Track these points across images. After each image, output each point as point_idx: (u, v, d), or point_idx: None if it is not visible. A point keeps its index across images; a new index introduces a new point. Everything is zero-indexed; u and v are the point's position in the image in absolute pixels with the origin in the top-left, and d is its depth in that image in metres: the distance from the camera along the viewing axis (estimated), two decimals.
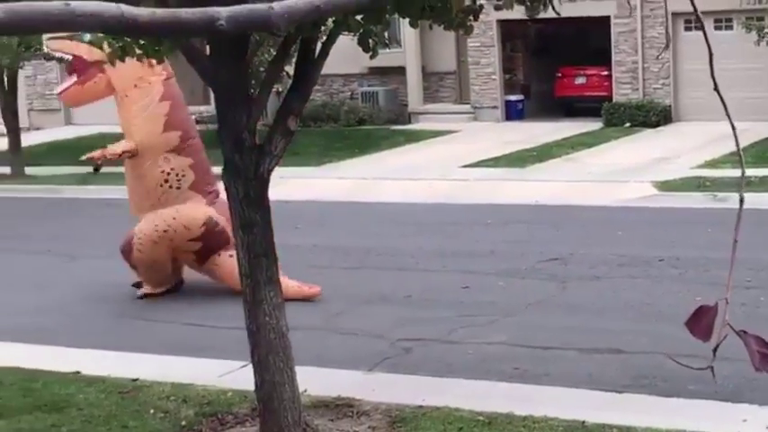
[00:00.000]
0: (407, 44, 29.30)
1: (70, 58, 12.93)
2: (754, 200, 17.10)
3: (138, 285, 12.85)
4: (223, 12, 3.13)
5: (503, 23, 27.87)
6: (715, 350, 2.92)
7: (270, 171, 7.54)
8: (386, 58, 29.28)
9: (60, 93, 13.41)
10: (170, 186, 12.55)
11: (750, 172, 19.35)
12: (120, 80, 12.54)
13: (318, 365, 9.60)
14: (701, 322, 2.96)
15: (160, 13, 3.15)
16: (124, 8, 3.05)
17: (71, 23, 3.01)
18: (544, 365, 9.46)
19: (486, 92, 29.05)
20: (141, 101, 12.67)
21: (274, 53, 8.23)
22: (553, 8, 7.92)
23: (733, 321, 10.35)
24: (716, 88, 3.41)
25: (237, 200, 7.49)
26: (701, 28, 3.62)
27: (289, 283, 11.41)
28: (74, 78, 12.95)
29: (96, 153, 12.81)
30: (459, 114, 29.13)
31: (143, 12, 3.10)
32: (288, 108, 7.60)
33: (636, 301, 11.46)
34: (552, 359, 9.67)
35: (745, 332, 2.93)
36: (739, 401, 8.30)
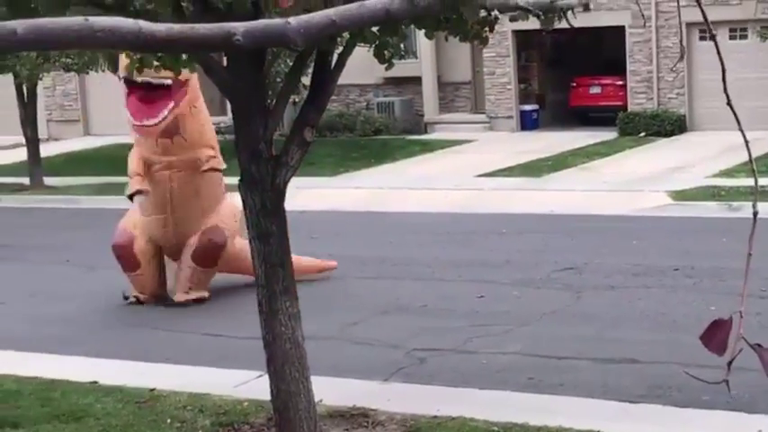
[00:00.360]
0: (423, 54, 29.35)
1: (169, 82, 12.04)
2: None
3: (134, 298, 13.10)
4: (240, 27, 3.15)
5: (518, 33, 27.89)
6: (730, 364, 2.92)
7: (286, 182, 7.55)
8: (402, 68, 29.44)
9: (159, 122, 12.45)
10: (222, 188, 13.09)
11: (763, 182, 19.31)
12: (193, 92, 12.71)
13: (334, 375, 9.60)
14: (715, 336, 2.97)
15: (177, 28, 3.18)
16: (142, 24, 3.08)
17: (91, 39, 3.05)
18: (558, 375, 9.45)
19: (501, 102, 29.07)
20: (204, 110, 13.06)
21: (291, 64, 8.24)
22: (567, 21, 7.92)
23: (748, 331, 10.29)
24: (729, 102, 3.42)
25: (254, 210, 7.51)
26: (713, 39, 3.63)
27: (302, 260, 11.53)
28: (169, 104, 12.44)
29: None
30: (474, 124, 29.15)
31: (160, 27, 3.13)
32: (304, 119, 7.61)
33: (651, 311, 11.44)
34: (567, 369, 9.66)
35: (759, 345, 2.94)
36: (754, 412, 8.27)
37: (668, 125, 26.74)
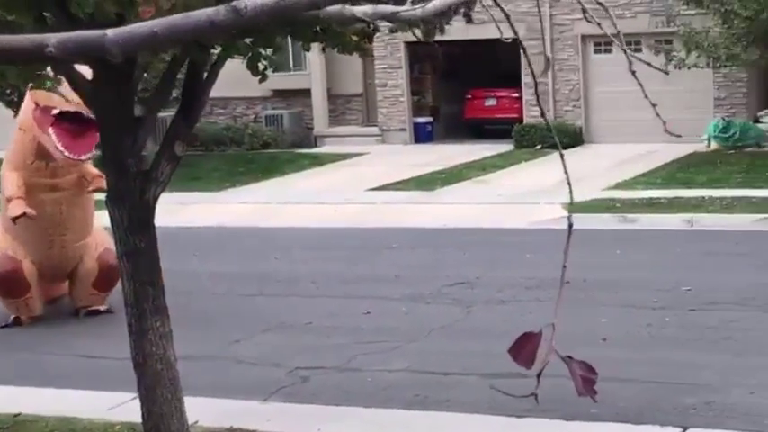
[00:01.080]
0: (312, 66, 29.36)
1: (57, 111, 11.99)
2: (662, 221, 17.43)
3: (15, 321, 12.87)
4: (53, 38, 3.11)
5: (410, 45, 28.04)
6: (539, 376, 2.94)
7: (156, 197, 7.46)
8: (290, 80, 29.50)
9: (92, 156, 12.43)
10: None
11: (659, 193, 19.69)
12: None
13: (213, 395, 9.53)
14: (524, 349, 3.00)
15: None
16: None
17: None
18: (445, 391, 9.46)
19: (393, 114, 29.18)
20: None
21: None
22: (441, 31, 8.02)
23: (639, 342, 10.51)
24: (652, 105, 3.47)
25: (122, 227, 7.40)
26: (621, 47, 3.69)
27: None
28: (96, 135, 12.26)
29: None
30: (366, 137, 29.21)
31: None
32: (174, 133, 7.54)
33: (542, 325, 11.46)
34: (454, 385, 9.67)
35: (570, 357, 2.98)
36: (641, 423, 8.37)
37: (564, 137, 27.04)
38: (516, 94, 28.31)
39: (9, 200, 12.54)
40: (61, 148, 12.11)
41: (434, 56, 29.75)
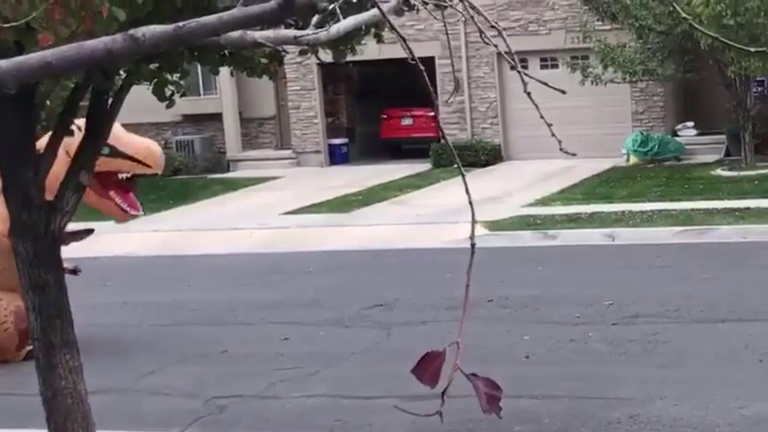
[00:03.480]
0: (223, 89, 29.29)
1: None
2: (583, 236, 17.63)
3: None
4: None
5: (323, 66, 28.06)
6: (443, 394, 2.98)
7: (62, 228, 7.39)
8: (201, 104, 29.39)
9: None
10: None
11: (579, 208, 19.91)
12: None
13: (128, 429, 9.48)
14: (428, 368, 3.04)
15: None
16: None
17: None
18: (366, 416, 9.46)
19: (308, 136, 29.20)
20: None
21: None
22: (353, 52, 8.10)
23: (562, 359, 10.62)
24: (548, 124, 3.52)
25: (27, 260, 7.31)
26: (514, 68, 3.74)
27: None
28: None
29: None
30: (280, 160, 29.19)
31: None
32: (79, 162, 7.48)
33: (463, 344, 11.54)
34: (375, 409, 9.67)
35: (474, 375, 3.02)
36: None
37: (483, 155, 27.30)
38: (433, 113, 28.44)
39: None
40: (128, 209, 12.32)
41: (348, 76, 29.88)
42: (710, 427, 8.47)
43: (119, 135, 12.33)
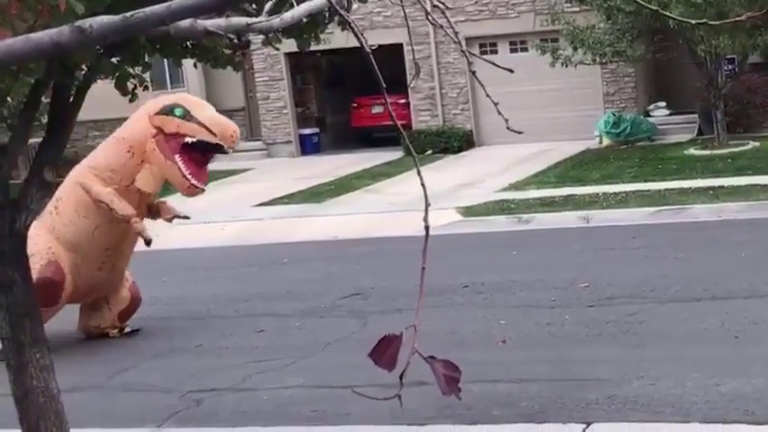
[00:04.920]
0: (190, 82, 29.24)
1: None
2: (557, 219, 17.70)
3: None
4: None
5: (291, 56, 28.07)
6: (401, 378, 3.02)
7: (27, 226, 7.38)
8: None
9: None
10: None
11: (553, 192, 19.99)
12: None
13: (104, 426, 9.50)
14: (385, 352, 3.08)
15: None
16: None
17: None
18: (344, 405, 9.48)
19: (278, 127, 29.18)
20: None
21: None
22: (317, 41, 8.13)
23: (539, 342, 10.69)
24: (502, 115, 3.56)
25: None
26: (464, 54, 3.78)
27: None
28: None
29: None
30: (251, 152, 29.14)
31: None
32: (43, 159, 7.46)
33: (439, 331, 11.59)
34: (353, 398, 9.61)
35: (433, 357, 3.06)
36: (544, 422, 8.50)
37: (455, 141, 27.37)
38: (403, 100, 28.47)
39: (127, 220, 12.35)
40: (190, 177, 12.20)
41: (317, 66, 29.87)
42: (688, 405, 8.54)
43: (197, 103, 12.47)
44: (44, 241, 12.36)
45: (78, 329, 13.03)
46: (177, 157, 12.12)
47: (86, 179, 12.50)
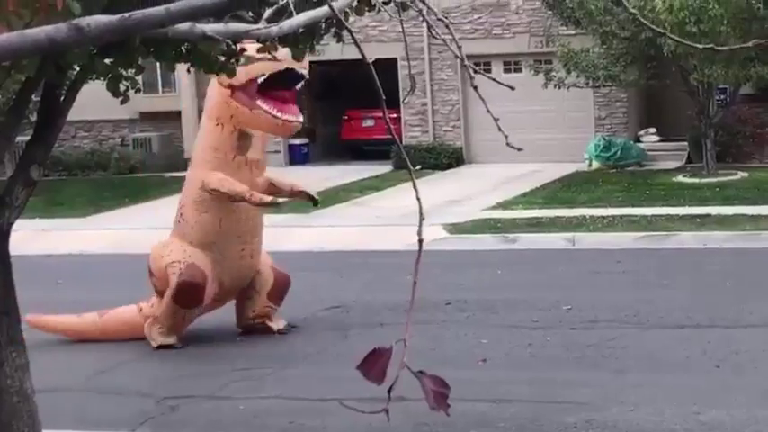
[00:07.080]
0: (182, 87, 29.16)
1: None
2: (543, 240, 17.69)
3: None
4: None
5: None
6: (389, 392, 2.99)
7: (10, 224, 7.33)
8: (160, 101, 29.27)
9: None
10: None
11: (541, 213, 19.98)
12: None
13: (77, 429, 9.43)
14: (374, 365, 3.04)
15: None
16: None
17: None
18: (321, 418, 9.44)
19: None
20: None
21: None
22: (312, 51, 8.11)
23: (520, 362, 10.65)
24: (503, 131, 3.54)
25: None
26: (461, 60, 3.77)
27: None
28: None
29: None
30: None
31: None
32: (30, 157, 7.42)
33: (421, 347, 11.53)
34: (330, 411, 9.63)
35: (422, 372, 3.03)
36: None
37: (444, 158, 27.36)
38: (395, 115, 28.43)
39: (243, 197, 12.19)
40: (279, 114, 12.06)
41: (310, 76, 29.82)
42: None
43: (251, 47, 12.26)
44: (179, 248, 12.46)
45: (238, 326, 12.80)
46: (259, 102, 12.04)
47: (200, 173, 12.48)
